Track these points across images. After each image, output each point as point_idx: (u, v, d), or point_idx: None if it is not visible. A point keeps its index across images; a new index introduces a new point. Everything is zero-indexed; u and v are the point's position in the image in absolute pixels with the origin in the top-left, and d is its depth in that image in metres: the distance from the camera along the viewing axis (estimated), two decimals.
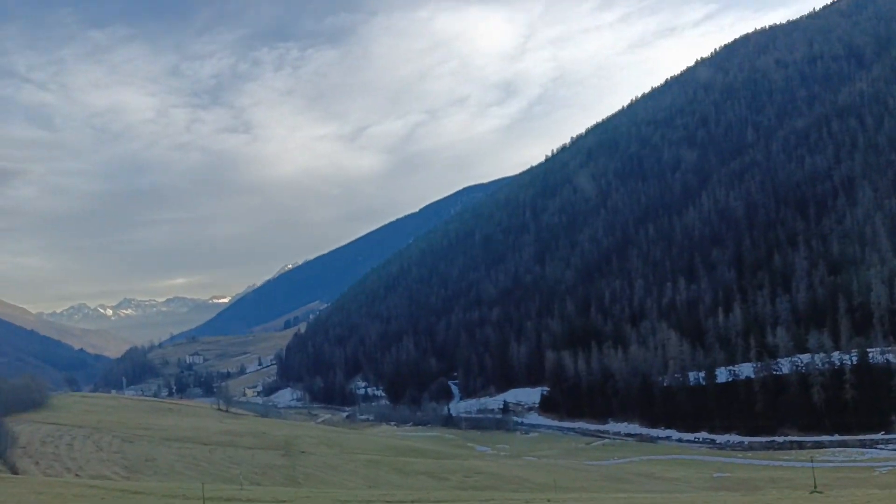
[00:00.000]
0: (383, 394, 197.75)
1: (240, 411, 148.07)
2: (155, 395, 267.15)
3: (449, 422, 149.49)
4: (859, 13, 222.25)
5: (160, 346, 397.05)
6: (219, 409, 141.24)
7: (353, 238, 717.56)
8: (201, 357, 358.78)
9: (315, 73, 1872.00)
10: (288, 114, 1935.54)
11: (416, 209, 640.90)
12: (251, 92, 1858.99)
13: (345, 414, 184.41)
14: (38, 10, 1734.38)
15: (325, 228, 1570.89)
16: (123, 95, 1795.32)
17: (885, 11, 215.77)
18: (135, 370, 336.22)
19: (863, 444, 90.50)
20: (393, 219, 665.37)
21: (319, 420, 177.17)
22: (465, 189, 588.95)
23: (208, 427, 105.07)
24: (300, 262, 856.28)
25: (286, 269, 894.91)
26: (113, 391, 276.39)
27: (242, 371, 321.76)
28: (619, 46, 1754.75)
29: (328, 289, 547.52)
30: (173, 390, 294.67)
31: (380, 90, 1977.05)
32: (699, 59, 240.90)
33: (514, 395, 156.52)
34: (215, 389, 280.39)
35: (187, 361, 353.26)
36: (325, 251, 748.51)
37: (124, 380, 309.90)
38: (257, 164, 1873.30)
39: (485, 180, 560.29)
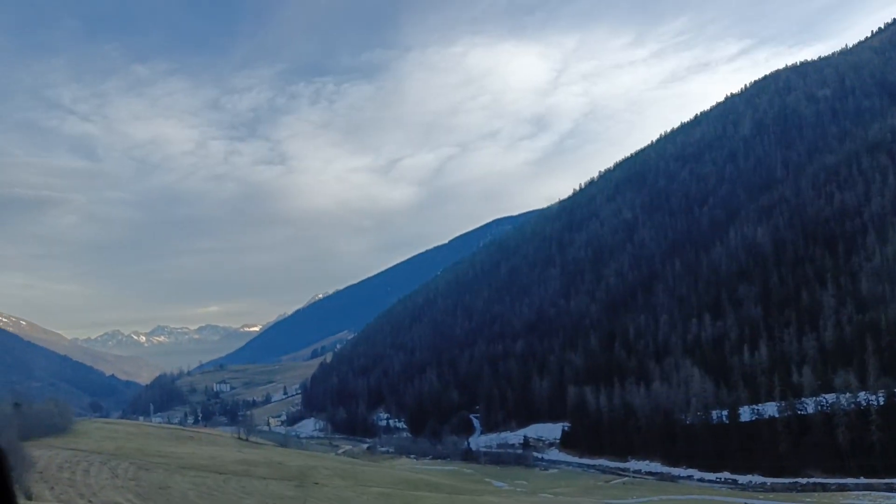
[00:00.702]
0: (405, 426, 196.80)
1: (260, 440, 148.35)
2: (181, 423, 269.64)
3: (468, 456, 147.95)
4: (892, 49, 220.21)
5: (189, 373, 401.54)
6: (238, 438, 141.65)
7: (383, 268, 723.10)
8: (228, 385, 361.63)
9: (350, 107, 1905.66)
10: (323, 146, 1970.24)
11: (446, 240, 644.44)
12: (288, 125, 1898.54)
13: (365, 446, 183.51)
14: (83, 44, 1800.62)
15: (356, 259, 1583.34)
16: (164, 128, 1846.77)
17: None
18: (162, 397, 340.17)
19: (889, 488, 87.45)
20: (423, 250, 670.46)
21: (340, 451, 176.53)
22: (494, 221, 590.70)
23: (225, 456, 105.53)
24: (331, 292, 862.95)
25: (317, 298, 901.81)
26: (140, 418, 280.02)
27: (268, 400, 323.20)
28: (652, 81, 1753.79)
29: (357, 318, 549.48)
30: (199, 418, 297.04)
31: (413, 124, 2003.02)
32: (729, 94, 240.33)
33: (536, 431, 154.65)
34: (240, 418, 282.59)
35: (214, 389, 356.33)
36: (356, 281, 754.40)
37: (152, 406, 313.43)
38: (292, 195, 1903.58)
39: (514, 212, 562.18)
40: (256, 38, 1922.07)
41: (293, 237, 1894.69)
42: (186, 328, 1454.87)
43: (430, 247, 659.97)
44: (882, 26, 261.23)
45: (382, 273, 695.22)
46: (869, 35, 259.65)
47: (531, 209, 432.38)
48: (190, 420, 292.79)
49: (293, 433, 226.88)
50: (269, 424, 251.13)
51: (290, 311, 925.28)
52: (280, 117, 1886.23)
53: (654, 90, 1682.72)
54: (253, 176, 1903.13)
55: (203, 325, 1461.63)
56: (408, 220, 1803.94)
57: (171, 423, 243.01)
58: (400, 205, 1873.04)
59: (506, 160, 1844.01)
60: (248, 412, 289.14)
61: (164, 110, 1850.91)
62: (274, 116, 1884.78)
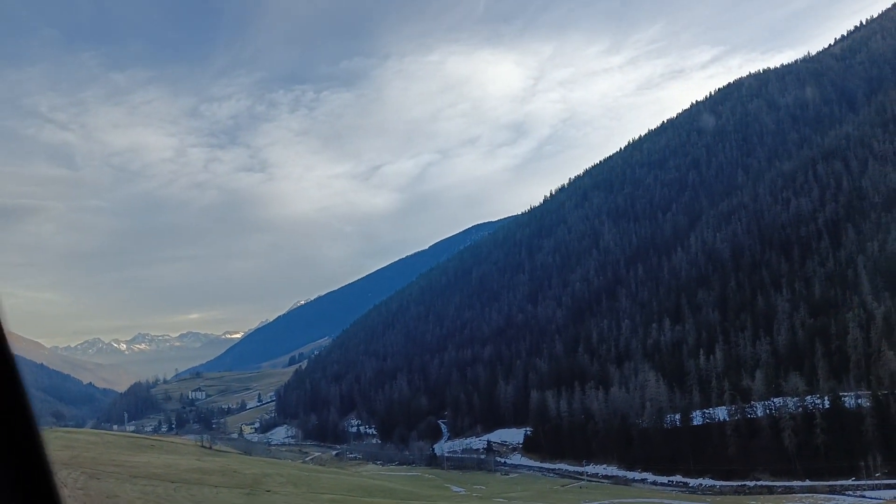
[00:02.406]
0: (375, 432, 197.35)
1: (224, 448, 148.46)
2: (154, 431, 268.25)
3: (433, 461, 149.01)
4: (852, 57, 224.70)
5: (165, 381, 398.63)
6: (201, 447, 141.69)
7: (364, 274, 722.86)
8: (203, 393, 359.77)
9: (330, 114, 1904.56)
10: (303, 153, 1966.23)
11: (427, 246, 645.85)
12: (267, 132, 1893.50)
13: (334, 452, 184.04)
14: (60, 53, 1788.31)
15: (337, 265, 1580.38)
16: (143, 136, 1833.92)
17: (878, 55, 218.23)
18: (137, 405, 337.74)
19: (832, 490, 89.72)
20: (404, 255, 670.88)
21: (308, 458, 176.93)
22: (474, 227, 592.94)
23: (181, 464, 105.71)
24: (312, 298, 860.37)
25: (298, 304, 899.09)
26: (114, 426, 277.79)
27: (243, 407, 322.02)
28: (628, 88, 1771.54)
29: (338, 324, 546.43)
30: (173, 426, 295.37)
31: (393, 130, 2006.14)
32: (694, 102, 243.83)
33: (500, 436, 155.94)
34: (213, 426, 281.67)
35: (190, 397, 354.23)
36: (337, 287, 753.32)
37: (126, 415, 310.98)
38: (273, 202, 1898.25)
39: (494, 218, 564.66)
40: (235, 47, 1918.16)
41: (275, 244, 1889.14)
42: (168, 335, 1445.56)
43: (411, 252, 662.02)
44: (844, 34, 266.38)
45: (363, 279, 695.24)
46: (832, 43, 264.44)
47: (511, 215, 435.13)
48: (164, 428, 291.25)
49: (265, 440, 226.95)
50: (241, 432, 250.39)
51: (271, 317, 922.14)
52: (260, 125, 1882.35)
53: (630, 96, 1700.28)
54: (233, 183, 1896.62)
55: (185, 332, 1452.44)
56: (389, 226, 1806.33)
57: (143, 432, 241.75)
58: (381, 211, 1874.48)
59: (486, 166, 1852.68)
60: (222, 420, 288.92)
61: (143, 118, 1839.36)
62: (254, 124, 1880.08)
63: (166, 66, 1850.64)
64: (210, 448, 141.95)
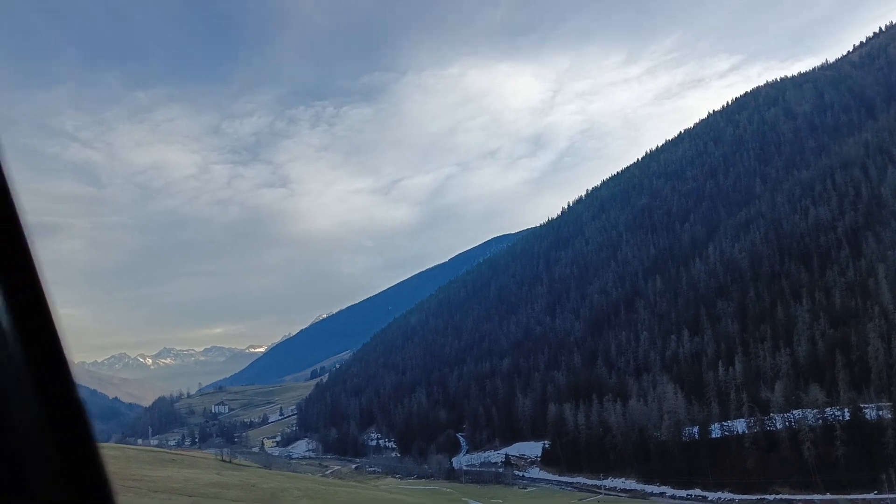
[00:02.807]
0: (394, 445, 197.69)
1: (243, 462, 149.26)
2: (178, 445, 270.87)
3: (451, 475, 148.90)
4: (871, 64, 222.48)
5: (189, 395, 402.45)
6: (221, 461, 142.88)
7: (384, 287, 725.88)
8: (226, 407, 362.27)
9: (350, 130, 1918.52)
10: (324, 169, 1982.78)
11: (446, 259, 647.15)
12: (288, 148, 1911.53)
13: (354, 466, 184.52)
14: (85, 73, 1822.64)
15: (358, 278, 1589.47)
16: (166, 153, 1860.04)
17: None
18: (161, 420, 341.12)
19: None
20: (424, 269, 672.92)
21: (328, 472, 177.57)
22: (493, 239, 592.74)
23: (200, 479, 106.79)
24: (334, 312, 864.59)
25: (320, 318, 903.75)
26: (139, 441, 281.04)
27: (265, 421, 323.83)
28: (647, 98, 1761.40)
29: (359, 338, 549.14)
30: (196, 440, 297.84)
31: (412, 144, 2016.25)
32: (711, 111, 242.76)
33: (518, 449, 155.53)
34: (235, 440, 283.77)
35: (213, 411, 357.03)
36: (358, 300, 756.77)
37: (150, 429, 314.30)
38: (294, 217, 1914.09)
39: (514, 230, 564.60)
40: (256, 64, 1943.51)
41: (296, 259, 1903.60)
42: (192, 350, 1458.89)
43: (431, 265, 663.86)
44: (863, 40, 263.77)
45: (384, 292, 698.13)
46: (850, 50, 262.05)
47: (530, 227, 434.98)
48: (187, 442, 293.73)
49: (286, 454, 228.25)
50: (263, 445, 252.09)
51: (294, 331, 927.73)
52: (281, 141, 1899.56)
53: (649, 106, 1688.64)
54: (255, 199, 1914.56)
55: (209, 346, 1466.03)
56: (409, 240, 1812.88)
57: (166, 446, 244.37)
58: (401, 225, 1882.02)
59: (505, 179, 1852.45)
60: (245, 433, 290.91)
61: (165, 136, 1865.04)
62: (275, 140, 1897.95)
63: (188, 84, 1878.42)
64: (230, 462, 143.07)
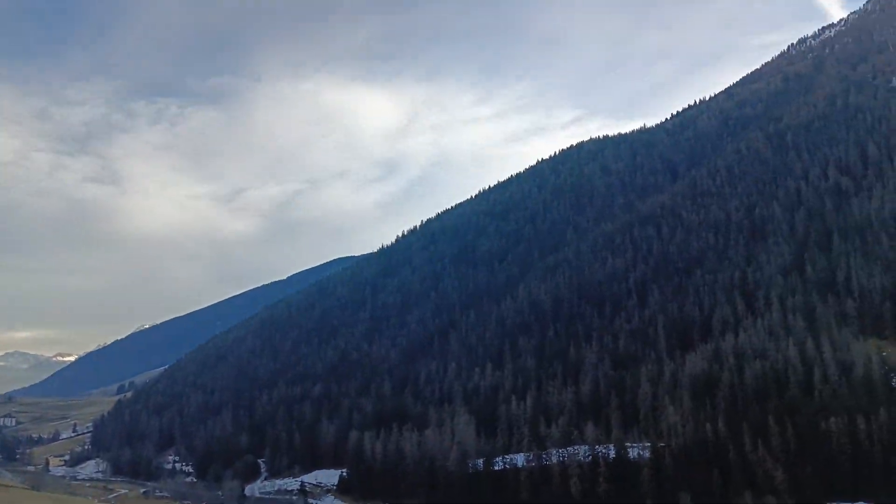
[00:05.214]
0: (192, 470, 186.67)
1: (6, 482, 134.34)
2: None
3: (242, 502, 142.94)
4: (681, 132, 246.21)
5: None
6: None
7: (214, 301, 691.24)
8: (14, 420, 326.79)
9: (194, 131, 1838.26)
10: (162, 169, 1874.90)
11: (285, 276, 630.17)
12: (123, 143, 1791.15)
13: (142, 490, 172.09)
14: None
15: (188, 289, 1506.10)
16: None
17: (703, 133, 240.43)
18: None
19: None
20: (259, 284, 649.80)
21: (112, 495, 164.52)
22: (334, 260, 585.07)
23: None
24: (157, 323, 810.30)
25: (141, 328, 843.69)
26: None
27: (56, 437, 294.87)
28: (496, 138, 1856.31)
29: (179, 353, 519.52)
30: None
31: (261, 155, 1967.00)
32: (539, 159, 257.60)
33: (317, 476, 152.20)
34: (17, 456, 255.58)
35: None
36: (184, 313, 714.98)
37: None
38: (124, 217, 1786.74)
39: (357, 253, 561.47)
40: (95, 50, 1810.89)
41: (122, 262, 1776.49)
42: None
43: (268, 281, 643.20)
44: (680, 110, 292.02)
45: (213, 306, 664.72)
46: (668, 117, 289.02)
47: (372, 251, 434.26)
48: None
49: (72, 474, 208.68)
50: (47, 464, 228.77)
51: (109, 340, 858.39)
52: (115, 135, 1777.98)
53: (498, 147, 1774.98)
54: (80, 193, 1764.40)
55: (11, 350, 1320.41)
56: (250, 253, 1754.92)
57: None
58: (242, 236, 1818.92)
59: (355, 200, 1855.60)
60: (28, 450, 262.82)
61: None
62: (108, 133, 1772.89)
63: (15, 63, 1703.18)
64: None
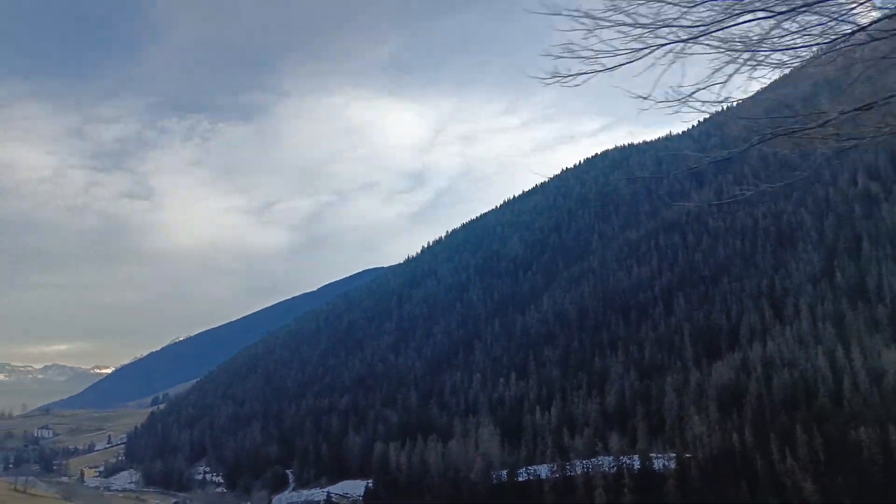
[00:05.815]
0: (222, 480, 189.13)
1: (39, 492, 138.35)
2: None
3: None
4: (707, 139, 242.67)
5: (10, 417, 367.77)
6: (15, 490, 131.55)
7: (247, 313, 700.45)
8: (51, 431, 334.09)
9: (225, 146, 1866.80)
10: (194, 184, 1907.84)
11: (315, 288, 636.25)
12: (156, 159, 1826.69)
13: (173, 501, 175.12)
14: None
15: (221, 302, 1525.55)
16: (19, 152, 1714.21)
17: (730, 139, 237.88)
18: None
19: None
20: (291, 296, 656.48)
21: None
22: (365, 271, 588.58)
23: None
24: (191, 335, 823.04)
25: (175, 340, 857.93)
26: None
27: (91, 449, 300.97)
28: (524, 148, 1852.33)
29: (212, 364, 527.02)
30: (10, 465, 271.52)
31: (290, 168, 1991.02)
32: (564, 167, 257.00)
33: (343, 487, 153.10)
34: (55, 467, 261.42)
35: (35, 435, 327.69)
36: (217, 325, 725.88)
37: None
38: (157, 232, 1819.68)
39: (386, 264, 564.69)
40: (127, 68, 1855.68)
41: (156, 275, 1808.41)
42: (30, 367, 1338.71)
43: (299, 293, 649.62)
44: (707, 117, 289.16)
45: (245, 318, 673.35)
46: (695, 124, 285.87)
47: (401, 261, 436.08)
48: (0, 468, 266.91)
49: (106, 485, 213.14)
50: (82, 475, 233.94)
51: (144, 353, 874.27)
52: (148, 151, 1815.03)
53: (526, 156, 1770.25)
54: (115, 209, 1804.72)
55: (49, 363, 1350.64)
56: (280, 265, 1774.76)
57: None
58: (273, 249, 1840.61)
59: (384, 212, 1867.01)
60: (64, 462, 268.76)
61: (20, 133, 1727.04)
62: (141, 150, 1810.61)
63: (49, 81, 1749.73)
64: (23, 492, 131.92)
